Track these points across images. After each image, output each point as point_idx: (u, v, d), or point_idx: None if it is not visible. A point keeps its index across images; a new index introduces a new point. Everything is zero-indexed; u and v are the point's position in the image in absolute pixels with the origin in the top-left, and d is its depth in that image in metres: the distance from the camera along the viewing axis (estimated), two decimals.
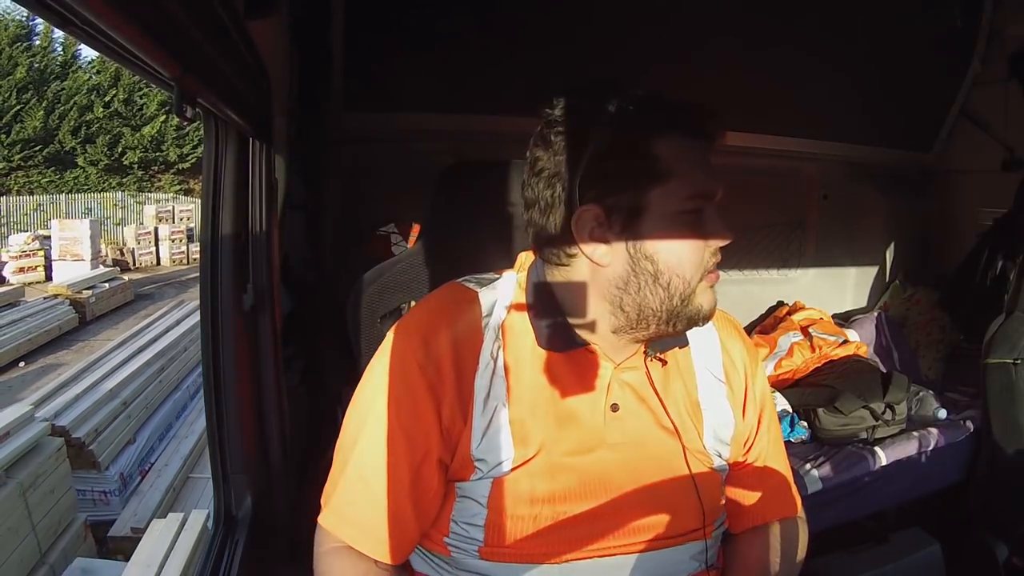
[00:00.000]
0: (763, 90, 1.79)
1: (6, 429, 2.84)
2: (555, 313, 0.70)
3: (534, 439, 0.68)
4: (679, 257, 0.65)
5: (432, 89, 1.62)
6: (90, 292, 7.74)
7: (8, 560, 2.60)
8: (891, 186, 2.24)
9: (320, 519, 0.71)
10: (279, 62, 1.13)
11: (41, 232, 10.64)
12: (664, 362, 0.73)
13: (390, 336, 0.71)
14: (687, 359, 0.75)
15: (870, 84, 1.90)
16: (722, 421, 0.74)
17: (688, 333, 0.73)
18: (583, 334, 0.70)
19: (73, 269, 8.94)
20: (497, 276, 0.75)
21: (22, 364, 6.00)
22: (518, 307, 0.71)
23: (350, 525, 0.69)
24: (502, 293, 0.72)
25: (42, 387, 4.21)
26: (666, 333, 0.69)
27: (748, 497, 0.80)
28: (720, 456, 0.74)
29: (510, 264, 0.78)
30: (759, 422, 0.78)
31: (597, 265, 0.67)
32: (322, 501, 0.71)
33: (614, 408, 0.70)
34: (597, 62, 1.62)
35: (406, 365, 0.68)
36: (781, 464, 0.81)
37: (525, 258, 0.76)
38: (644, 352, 0.72)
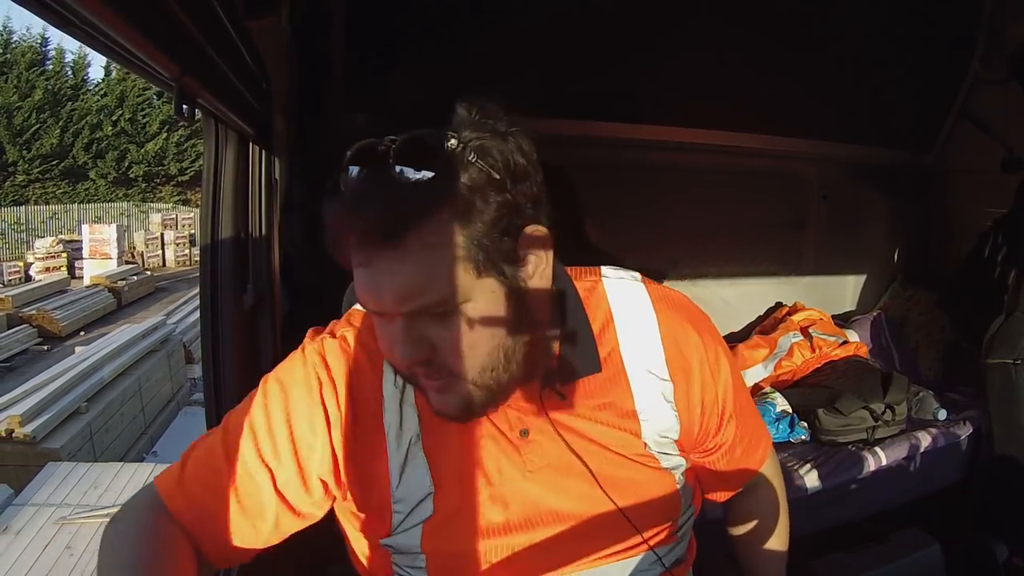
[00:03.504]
0: (763, 90, 1.79)
1: (155, 325, 5.75)
2: None
3: (452, 471, 0.64)
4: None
5: (431, 90, 1.62)
6: (123, 282, 9.82)
7: (160, 392, 5.21)
8: (891, 186, 2.23)
9: (156, 478, 0.66)
10: (279, 62, 1.13)
11: (63, 237, 12.72)
12: (562, 396, 0.66)
13: (304, 343, 0.69)
14: (618, 368, 0.68)
15: (870, 84, 1.90)
16: (666, 426, 0.69)
17: (621, 334, 0.68)
18: None
19: (102, 266, 10.73)
20: None
21: (82, 333, 7.90)
22: None
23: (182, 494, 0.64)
24: None
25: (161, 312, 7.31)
26: None
27: (721, 474, 0.78)
28: (668, 455, 0.70)
29: None
30: (722, 415, 0.73)
31: None
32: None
33: (524, 433, 0.65)
34: (596, 66, 1.62)
35: (307, 372, 0.66)
36: (752, 443, 0.78)
37: None
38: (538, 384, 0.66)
